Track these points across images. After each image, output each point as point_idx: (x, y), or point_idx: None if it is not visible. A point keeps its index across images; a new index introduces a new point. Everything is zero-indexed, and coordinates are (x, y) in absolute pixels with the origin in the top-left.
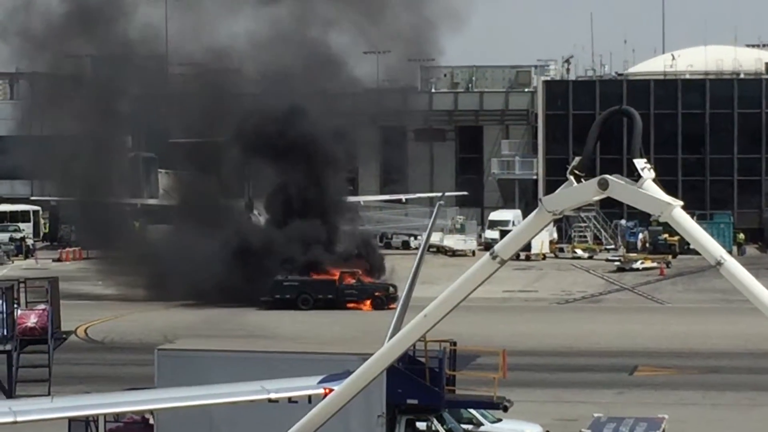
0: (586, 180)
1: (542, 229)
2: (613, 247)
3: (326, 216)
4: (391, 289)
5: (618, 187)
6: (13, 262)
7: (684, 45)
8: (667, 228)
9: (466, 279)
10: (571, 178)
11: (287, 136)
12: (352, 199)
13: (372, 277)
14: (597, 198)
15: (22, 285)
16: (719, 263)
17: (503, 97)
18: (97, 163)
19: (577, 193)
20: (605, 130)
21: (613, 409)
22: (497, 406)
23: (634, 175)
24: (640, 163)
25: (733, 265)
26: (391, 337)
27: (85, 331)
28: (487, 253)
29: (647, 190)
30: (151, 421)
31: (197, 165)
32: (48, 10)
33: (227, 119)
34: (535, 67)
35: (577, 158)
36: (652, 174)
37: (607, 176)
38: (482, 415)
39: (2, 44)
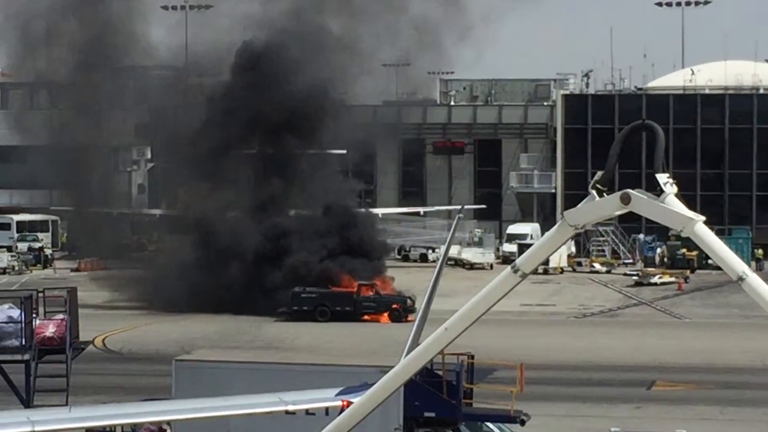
0: (608, 194)
1: (564, 243)
2: (631, 261)
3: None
4: (409, 301)
5: (640, 201)
6: (31, 272)
7: (703, 60)
8: (686, 243)
9: (487, 292)
10: (593, 192)
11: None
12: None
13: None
14: (619, 212)
15: (40, 295)
16: (741, 279)
17: (522, 111)
18: (113, 174)
19: (600, 207)
20: (627, 144)
21: (630, 423)
22: (514, 419)
23: (656, 190)
24: (662, 177)
25: (755, 280)
26: (409, 350)
27: (103, 341)
28: (509, 267)
29: (669, 204)
30: None
31: (215, 175)
32: (66, 19)
33: (245, 130)
34: (555, 80)
35: (600, 172)
36: (675, 189)
37: (630, 191)
38: (499, 428)
39: (20, 53)
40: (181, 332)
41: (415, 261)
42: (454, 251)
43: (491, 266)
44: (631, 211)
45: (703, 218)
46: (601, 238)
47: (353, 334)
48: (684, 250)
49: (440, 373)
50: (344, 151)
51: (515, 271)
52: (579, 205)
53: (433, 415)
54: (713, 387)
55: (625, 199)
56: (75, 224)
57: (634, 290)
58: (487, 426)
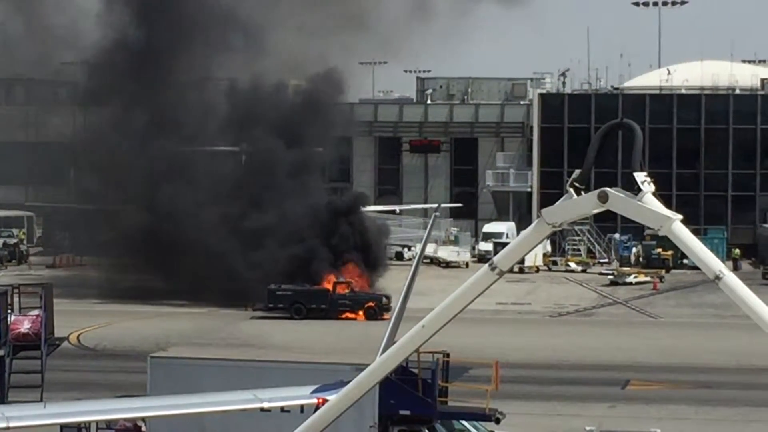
0: (585, 192)
1: (542, 241)
2: (606, 260)
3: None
4: (385, 299)
5: (618, 200)
6: (6, 268)
7: (680, 60)
8: (661, 242)
9: (464, 290)
10: (571, 190)
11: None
12: None
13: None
14: (597, 211)
15: (15, 291)
16: (718, 277)
17: (499, 110)
18: (95, 169)
19: (577, 205)
20: (605, 143)
21: (605, 422)
22: (489, 418)
23: (634, 189)
24: (640, 176)
25: (732, 279)
26: (385, 348)
27: (78, 337)
28: (486, 264)
29: (647, 203)
30: (143, 429)
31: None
32: (46, 16)
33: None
34: (531, 79)
35: (578, 171)
36: (652, 187)
37: (607, 189)
38: (474, 427)
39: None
40: (156, 329)
41: (390, 259)
42: (429, 250)
43: (467, 265)
44: (609, 209)
45: (681, 217)
46: (577, 238)
47: (328, 332)
48: (659, 250)
49: (415, 371)
50: (320, 149)
51: (492, 269)
52: (557, 203)
53: (408, 413)
54: (688, 386)
55: (603, 198)
56: (51, 220)
57: (609, 289)
58: (462, 424)
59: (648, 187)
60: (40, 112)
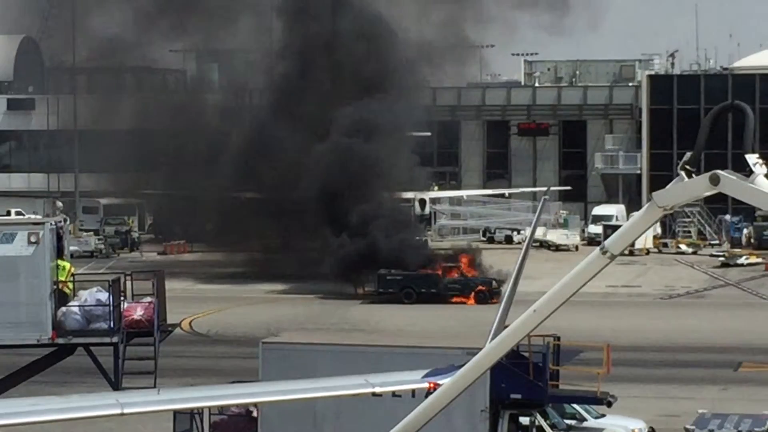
0: (697, 175)
1: (653, 225)
2: (717, 242)
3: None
4: (495, 283)
5: (729, 182)
6: (118, 255)
7: None
8: None
9: (576, 274)
10: (682, 173)
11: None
12: (455, 193)
13: None
14: (708, 193)
15: (128, 277)
16: None
17: (607, 92)
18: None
19: (689, 188)
20: (716, 125)
21: (717, 405)
22: (601, 401)
23: (746, 170)
24: (752, 158)
25: None
26: (495, 333)
27: (190, 323)
28: (597, 248)
29: (759, 185)
30: (255, 414)
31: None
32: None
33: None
34: (640, 61)
35: (689, 153)
36: (764, 169)
37: (719, 171)
38: (585, 410)
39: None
40: (266, 315)
41: (500, 243)
42: (539, 233)
43: (576, 248)
44: (720, 191)
45: None
46: (687, 219)
47: (438, 317)
48: None
49: (526, 354)
50: (428, 134)
51: (604, 253)
52: (668, 186)
53: (519, 397)
54: None
55: (714, 180)
56: (162, 208)
57: (720, 271)
58: (573, 407)
59: (760, 169)
60: (147, 100)
